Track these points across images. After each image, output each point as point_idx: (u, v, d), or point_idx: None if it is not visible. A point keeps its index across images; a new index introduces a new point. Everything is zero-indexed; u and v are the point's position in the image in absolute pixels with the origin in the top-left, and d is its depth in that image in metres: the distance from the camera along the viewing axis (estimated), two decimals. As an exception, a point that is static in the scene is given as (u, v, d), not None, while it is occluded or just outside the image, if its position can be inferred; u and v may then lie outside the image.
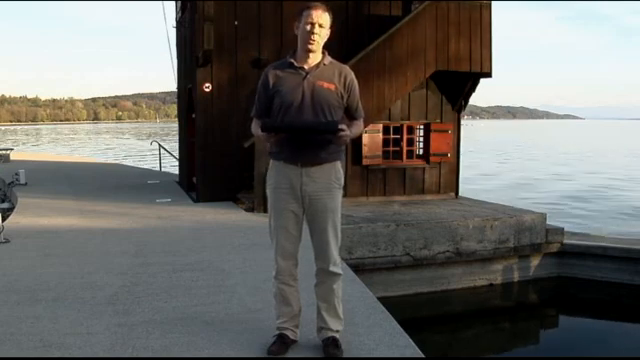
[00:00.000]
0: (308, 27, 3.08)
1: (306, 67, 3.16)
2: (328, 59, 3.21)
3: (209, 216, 8.31)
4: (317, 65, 3.17)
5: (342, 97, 3.20)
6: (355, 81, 3.24)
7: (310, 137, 3.09)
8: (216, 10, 9.35)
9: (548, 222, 8.94)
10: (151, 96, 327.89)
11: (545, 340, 7.58)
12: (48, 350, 3.45)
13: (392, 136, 10.52)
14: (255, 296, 4.46)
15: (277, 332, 3.34)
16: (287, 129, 3.09)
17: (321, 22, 3.09)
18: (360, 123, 3.34)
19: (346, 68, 3.25)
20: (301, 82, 3.14)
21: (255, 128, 3.27)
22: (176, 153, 14.46)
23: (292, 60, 3.18)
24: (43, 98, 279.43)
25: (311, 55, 3.15)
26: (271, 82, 3.19)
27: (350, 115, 3.28)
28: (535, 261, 8.84)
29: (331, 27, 3.17)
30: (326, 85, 3.14)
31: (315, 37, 3.09)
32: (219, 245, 6.41)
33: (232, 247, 6.31)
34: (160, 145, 17.47)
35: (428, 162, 10.71)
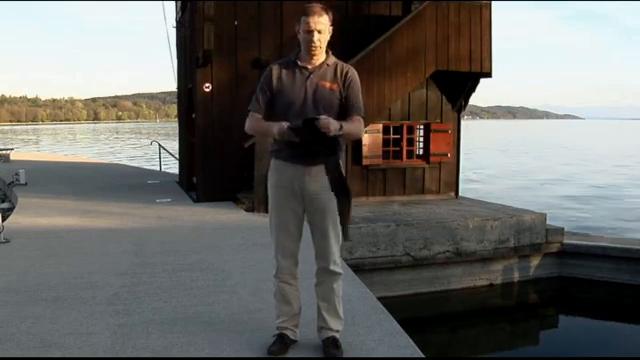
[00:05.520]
0: (307, 35, 3.08)
1: (309, 67, 3.16)
2: (332, 59, 3.20)
3: (209, 216, 8.31)
4: (320, 65, 3.16)
5: (343, 96, 3.19)
6: (355, 78, 3.18)
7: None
8: (216, 10, 9.34)
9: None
10: (151, 96, 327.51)
11: (545, 340, 7.58)
12: (48, 350, 3.44)
13: (392, 136, 10.52)
14: (255, 296, 4.46)
15: (277, 332, 3.34)
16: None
17: (319, 28, 3.06)
18: (357, 120, 3.15)
19: (348, 66, 3.23)
20: (304, 82, 3.14)
21: (249, 123, 3.23)
22: (176, 153, 14.46)
23: (296, 60, 3.18)
24: (43, 98, 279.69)
25: (315, 57, 3.15)
26: (274, 80, 3.18)
27: (345, 110, 3.14)
28: (535, 261, 8.84)
29: (332, 25, 3.14)
30: (328, 85, 3.13)
31: (315, 43, 3.08)
32: (219, 245, 6.41)
33: (232, 247, 6.31)
34: (160, 145, 17.48)
35: (428, 162, 10.71)
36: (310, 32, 3.06)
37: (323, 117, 2.92)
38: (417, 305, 8.03)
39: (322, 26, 3.07)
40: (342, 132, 2.95)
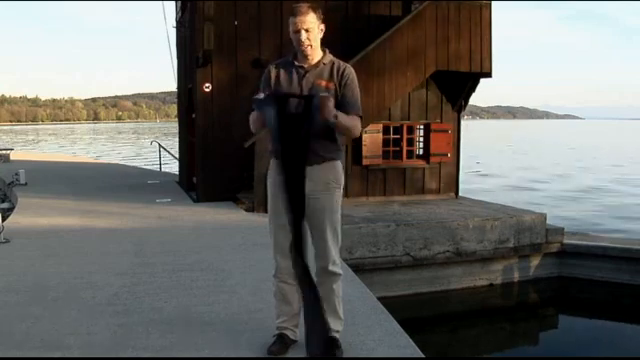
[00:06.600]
0: (295, 35, 3.09)
1: (305, 66, 3.17)
2: (328, 57, 3.20)
3: (209, 216, 8.31)
4: (317, 64, 3.17)
5: (339, 95, 3.18)
6: (352, 76, 3.18)
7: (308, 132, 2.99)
8: (216, 10, 9.34)
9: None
10: (151, 96, 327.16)
11: (545, 340, 7.58)
12: (48, 350, 3.44)
13: (392, 136, 10.52)
14: (255, 296, 4.46)
15: (277, 332, 3.34)
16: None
17: (306, 27, 3.07)
18: (354, 118, 3.12)
19: (345, 64, 3.22)
20: (300, 81, 3.14)
21: (251, 121, 3.22)
22: (176, 153, 14.46)
23: (293, 60, 3.20)
24: (43, 98, 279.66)
25: (309, 56, 3.16)
26: (272, 79, 3.20)
27: (342, 109, 3.09)
28: (535, 261, 8.83)
29: (325, 22, 3.14)
30: (324, 84, 3.13)
31: (305, 42, 3.09)
32: (219, 245, 6.41)
33: (232, 247, 6.31)
34: (160, 145, 17.48)
35: (428, 162, 10.71)
36: (297, 32, 3.08)
37: (323, 94, 2.89)
38: (417, 305, 8.03)
39: (309, 24, 3.08)
40: (335, 120, 2.93)
